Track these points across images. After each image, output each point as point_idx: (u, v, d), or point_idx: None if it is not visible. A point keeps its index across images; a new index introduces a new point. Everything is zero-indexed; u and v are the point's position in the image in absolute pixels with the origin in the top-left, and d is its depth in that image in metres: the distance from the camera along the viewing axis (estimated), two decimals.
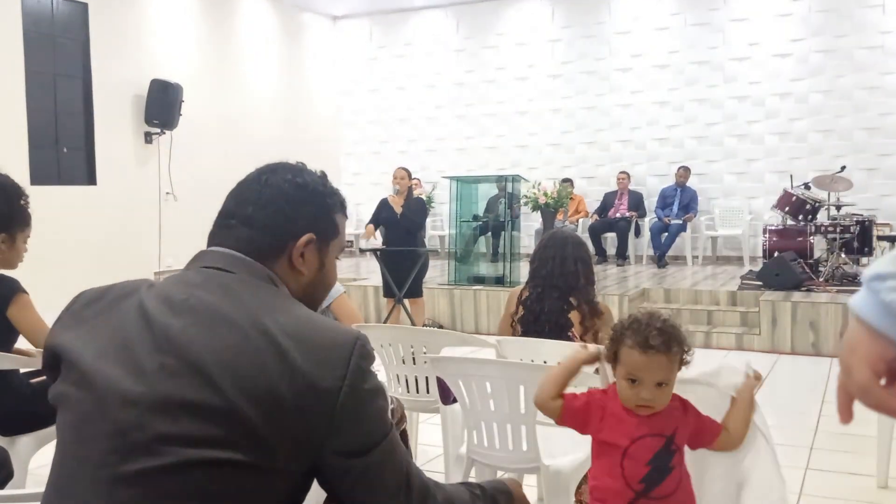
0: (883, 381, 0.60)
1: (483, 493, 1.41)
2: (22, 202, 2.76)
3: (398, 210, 6.92)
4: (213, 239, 1.33)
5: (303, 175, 1.37)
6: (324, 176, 1.42)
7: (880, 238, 8.07)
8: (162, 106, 9.12)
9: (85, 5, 8.60)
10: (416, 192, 10.84)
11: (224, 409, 1.11)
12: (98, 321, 1.23)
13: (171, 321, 1.18)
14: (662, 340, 1.75)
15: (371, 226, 7.13)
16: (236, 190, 1.36)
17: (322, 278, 1.37)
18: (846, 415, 0.68)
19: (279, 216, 1.31)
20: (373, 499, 1.23)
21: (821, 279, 7.54)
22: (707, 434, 1.84)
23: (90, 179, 8.73)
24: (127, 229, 8.88)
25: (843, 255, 7.84)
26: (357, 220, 11.71)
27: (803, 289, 7.28)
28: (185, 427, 1.11)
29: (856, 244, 7.86)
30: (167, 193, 9.42)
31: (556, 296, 3.07)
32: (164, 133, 9.29)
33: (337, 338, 1.19)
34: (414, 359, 3.34)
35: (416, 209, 7.06)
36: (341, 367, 1.16)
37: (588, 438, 1.86)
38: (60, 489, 1.16)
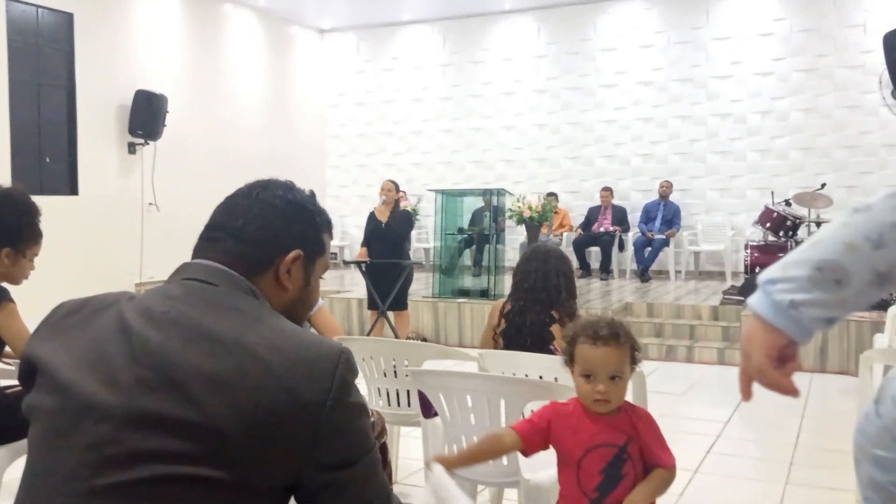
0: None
1: None
2: (36, 219, 2.74)
3: (383, 220, 6.94)
4: (199, 252, 1.32)
5: (293, 192, 1.38)
6: (313, 195, 1.43)
7: None
8: (146, 116, 9.10)
9: (70, 15, 8.58)
10: (402, 205, 10.88)
11: (202, 424, 1.10)
12: (76, 333, 1.22)
13: (150, 334, 1.17)
14: (611, 332, 1.88)
15: (364, 248, 7.14)
16: (226, 203, 1.36)
17: (305, 296, 1.38)
18: (747, 394, 0.77)
19: (269, 230, 1.31)
20: None
21: None
22: (650, 458, 1.89)
23: (72, 189, 8.68)
24: (109, 240, 8.82)
25: None
26: (342, 233, 11.71)
27: None
28: (161, 442, 1.09)
29: None
30: (150, 204, 9.37)
31: (538, 309, 3.08)
32: (148, 144, 9.26)
33: (321, 351, 1.18)
34: (396, 372, 3.34)
35: (402, 221, 7.10)
36: (326, 381, 1.16)
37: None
38: (30, 503, 1.15)
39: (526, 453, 1.94)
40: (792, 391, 0.74)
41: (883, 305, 6.70)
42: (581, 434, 1.87)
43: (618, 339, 1.88)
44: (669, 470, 1.90)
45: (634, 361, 1.92)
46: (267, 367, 1.14)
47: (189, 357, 1.14)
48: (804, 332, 0.73)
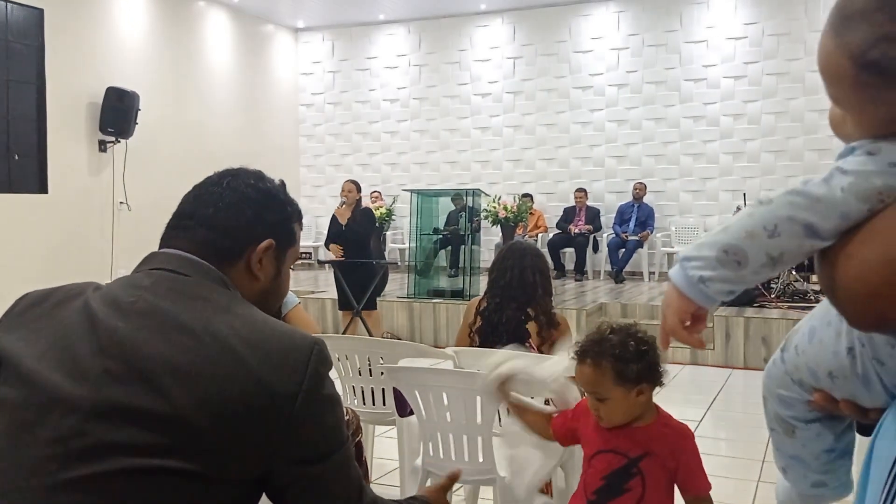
0: (687, 324, 0.93)
1: None
2: None
3: (343, 222, 6.92)
4: (167, 241, 1.29)
5: (264, 181, 1.36)
6: (283, 185, 1.41)
7: None
8: (117, 114, 8.97)
9: (41, 11, 8.44)
10: (376, 206, 10.84)
11: (170, 416, 1.07)
12: (41, 323, 1.18)
13: (117, 324, 1.13)
14: (593, 352, 1.78)
15: (334, 245, 7.10)
16: (195, 191, 1.33)
17: (276, 287, 1.35)
18: (665, 344, 0.96)
19: (241, 219, 1.29)
20: None
21: (772, 295, 7.68)
22: (684, 482, 1.81)
23: (41, 187, 8.53)
24: (79, 239, 8.69)
25: (793, 273, 8.01)
26: (316, 233, 11.63)
27: (756, 305, 7.43)
28: (129, 434, 1.06)
29: (806, 262, 8.01)
30: (121, 203, 9.25)
31: (514, 306, 3.07)
32: (119, 142, 9.14)
33: (294, 342, 1.16)
34: (371, 370, 3.31)
35: (362, 220, 7.03)
36: (299, 372, 1.13)
37: (541, 453, 1.90)
38: None
39: (561, 443, 2.00)
40: (698, 344, 0.94)
41: None
42: (598, 433, 1.83)
43: (594, 357, 1.77)
44: (703, 500, 1.80)
45: (626, 380, 1.75)
46: (238, 357, 1.11)
47: (157, 347, 1.11)
48: (709, 300, 0.91)
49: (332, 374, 1.32)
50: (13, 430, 1.11)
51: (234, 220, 1.28)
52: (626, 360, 1.75)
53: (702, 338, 0.93)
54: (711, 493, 1.86)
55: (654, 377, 1.78)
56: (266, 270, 1.31)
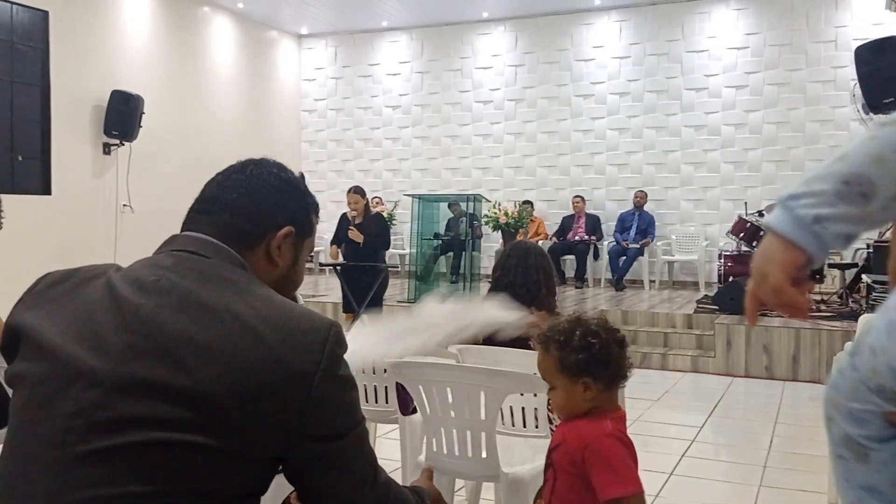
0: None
1: (420, 499, 1.41)
2: None
3: (359, 240, 6.81)
4: (189, 224, 1.31)
5: (286, 171, 1.40)
6: (303, 177, 1.46)
7: (830, 265, 8.28)
8: (122, 117, 9.01)
9: (46, 13, 8.48)
10: (378, 210, 10.81)
11: (192, 391, 1.09)
12: (63, 301, 1.21)
13: (141, 301, 1.16)
14: (543, 336, 1.80)
15: (335, 247, 7.06)
16: (219, 177, 1.36)
17: (292, 275, 1.38)
18: (754, 318, 0.81)
19: (264, 205, 1.32)
20: (339, 487, 1.22)
21: None
22: (596, 488, 1.66)
23: (45, 189, 8.56)
24: (82, 241, 8.71)
25: None
26: (317, 238, 11.62)
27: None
28: (150, 408, 1.08)
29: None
30: (124, 206, 9.27)
31: (517, 305, 3.09)
32: (123, 144, 9.17)
33: (313, 323, 1.19)
34: (374, 369, 3.32)
35: (379, 231, 6.95)
36: (317, 352, 1.16)
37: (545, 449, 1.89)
38: (11, 471, 1.12)
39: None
40: (805, 309, 0.76)
41: (853, 316, 6.82)
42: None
43: (542, 342, 1.78)
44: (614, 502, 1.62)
45: (567, 370, 1.72)
46: (258, 336, 1.14)
47: (180, 324, 1.13)
48: (823, 248, 0.73)
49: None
50: (34, 403, 1.13)
51: (257, 206, 1.31)
52: (570, 348, 1.73)
53: (809, 301, 0.77)
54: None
55: (598, 372, 1.72)
56: (284, 257, 1.34)
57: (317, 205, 1.45)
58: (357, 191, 7.00)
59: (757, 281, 0.78)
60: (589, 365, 1.72)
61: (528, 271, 3.11)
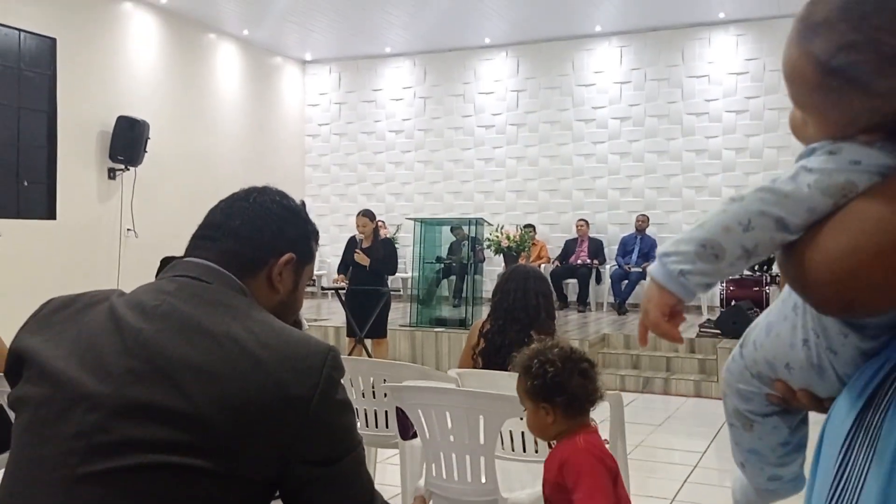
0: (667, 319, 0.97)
1: None
2: None
3: (365, 263, 6.81)
4: (192, 250, 1.34)
5: (288, 199, 1.44)
6: (304, 204, 1.50)
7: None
8: (127, 142, 9.08)
9: (53, 40, 8.60)
10: (381, 234, 10.84)
11: (191, 414, 1.11)
12: (66, 325, 1.23)
13: (142, 325, 1.18)
14: (515, 361, 1.89)
15: (342, 276, 7.05)
16: (223, 204, 1.39)
17: (292, 301, 1.41)
18: (643, 341, 1.00)
19: (266, 232, 1.35)
20: None
21: None
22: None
23: (50, 214, 8.62)
24: (86, 265, 8.74)
25: None
26: (320, 262, 11.67)
27: None
28: (150, 431, 1.11)
29: None
30: (128, 230, 9.32)
31: (517, 328, 3.11)
32: (129, 169, 9.24)
33: (310, 348, 1.21)
34: (374, 393, 3.34)
35: (387, 256, 6.95)
36: (314, 376, 1.18)
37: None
38: (14, 493, 1.14)
39: None
40: (677, 339, 0.98)
41: None
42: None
43: (514, 366, 1.88)
44: None
45: (529, 394, 1.81)
46: (256, 360, 1.16)
47: (180, 349, 1.16)
48: (689, 293, 0.96)
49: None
50: (37, 426, 1.15)
51: (259, 233, 1.34)
52: (530, 375, 1.82)
53: (680, 332, 0.98)
54: None
55: (553, 399, 1.79)
56: (285, 283, 1.36)
57: (317, 232, 1.49)
58: (366, 213, 7.00)
59: (642, 315, 0.99)
60: (544, 391, 1.80)
61: (528, 295, 3.14)
